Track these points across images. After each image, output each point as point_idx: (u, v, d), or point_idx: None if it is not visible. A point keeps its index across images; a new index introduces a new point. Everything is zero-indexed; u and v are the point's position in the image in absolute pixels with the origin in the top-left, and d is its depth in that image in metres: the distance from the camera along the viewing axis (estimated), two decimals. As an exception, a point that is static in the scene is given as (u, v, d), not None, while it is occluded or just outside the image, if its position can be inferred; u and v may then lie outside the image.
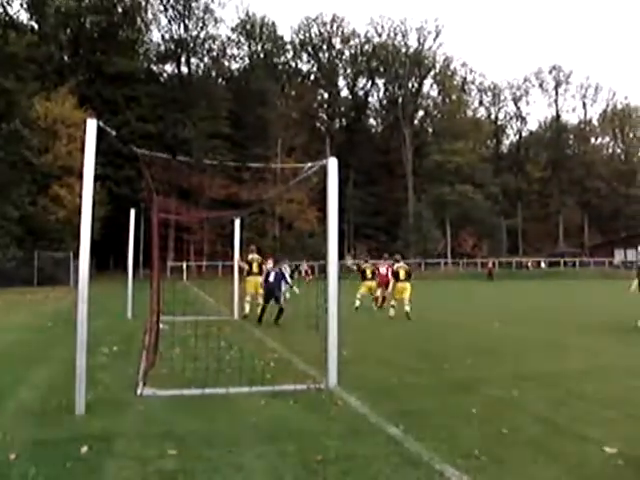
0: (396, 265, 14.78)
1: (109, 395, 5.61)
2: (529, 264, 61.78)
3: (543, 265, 62.03)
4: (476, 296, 24.84)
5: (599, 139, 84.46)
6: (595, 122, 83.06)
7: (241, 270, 14.09)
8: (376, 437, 4.39)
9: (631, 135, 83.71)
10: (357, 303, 15.63)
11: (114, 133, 5.84)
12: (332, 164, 6.28)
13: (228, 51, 64.50)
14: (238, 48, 65.31)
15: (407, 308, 13.72)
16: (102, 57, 52.61)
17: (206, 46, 60.67)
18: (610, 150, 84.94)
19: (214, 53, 61.96)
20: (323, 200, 6.48)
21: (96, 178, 5.34)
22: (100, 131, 5.22)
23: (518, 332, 11.40)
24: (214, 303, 17.40)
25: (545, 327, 12.29)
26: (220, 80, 64.11)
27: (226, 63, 64.80)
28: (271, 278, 12.54)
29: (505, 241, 72.73)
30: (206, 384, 5.85)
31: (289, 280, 13.86)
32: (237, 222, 14.12)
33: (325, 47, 67.63)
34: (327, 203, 6.28)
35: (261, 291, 13.47)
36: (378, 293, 16.43)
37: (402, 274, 14.17)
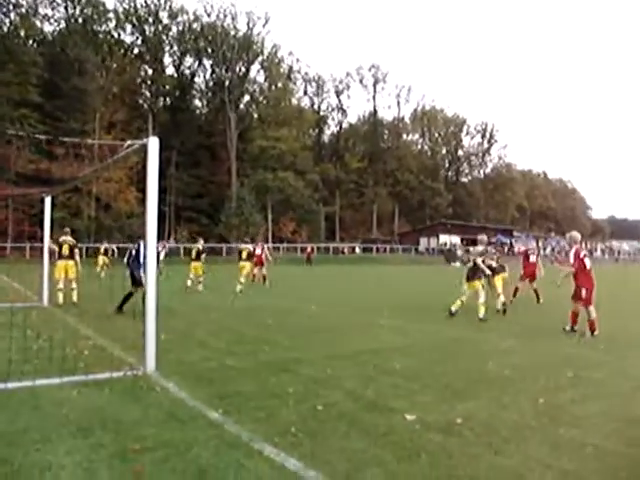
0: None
1: None
2: (345, 249, 67.93)
3: (358, 250, 68.19)
4: (295, 280, 25.79)
5: (410, 135, 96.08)
6: (407, 120, 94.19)
7: (52, 253, 13.53)
8: (195, 422, 4.53)
9: (436, 134, 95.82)
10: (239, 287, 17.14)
11: None
12: (153, 143, 6.26)
13: (40, 10, 61.01)
14: (53, 8, 61.83)
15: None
16: None
17: (12, -1, 56.17)
18: (419, 146, 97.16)
19: (23, 9, 58.25)
20: (143, 180, 6.57)
21: None
22: None
23: (334, 314, 12.20)
24: (20, 288, 16.06)
25: (359, 309, 13.21)
26: (31, 42, 60.64)
27: (38, 23, 61.35)
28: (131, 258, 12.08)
29: (323, 227, 78.04)
30: (8, 377, 5.55)
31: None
32: (47, 200, 13.11)
33: (151, 20, 66.76)
34: (147, 184, 6.27)
35: (71, 276, 13.45)
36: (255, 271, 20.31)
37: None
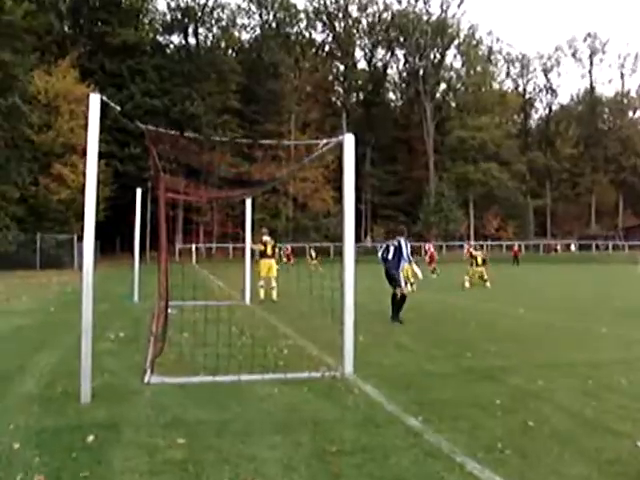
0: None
1: (115, 382, 5.70)
2: (558, 247, 61.77)
3: (573, 248, 62.65)
4: (500, 281, 24.31)
5: (637, 112, 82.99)
6: (633, 94, 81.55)
7: (252, 253, 14.36)
8: (394, 428, 4.38)
9: None
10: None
11: (118, 108, 5.92)
12: (348, 140, 6.17)
13: (238, 20, 64.49)
14: (249, 17, 65.21)
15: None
16: (105, 27, 52.69)
17: (215, 15, 60.76)
18: None
19: (223, 23, 62.00)
20: (339, 179, 6.42)
21: (100, 156, 5.42)
22: (104, 106, 5.22)
23: (545, 319, 11.24)
24: (224, 287, 17.57)
25: (574, 314, 12.20)
26: (230, 52, 64.21)
27: (236, 33, 64.82)
28: (389, 255, 10.79)
29: (532, 223, 72.53)
30: (217, 371, 5.87)
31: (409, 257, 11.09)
32: (248, 202, 14.11)
33: (341, 15, 66.96)
34: (343, 182, 6.21)
35: (272, 274, 14.02)
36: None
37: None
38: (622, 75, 79.61)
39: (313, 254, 38.44)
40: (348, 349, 6.14)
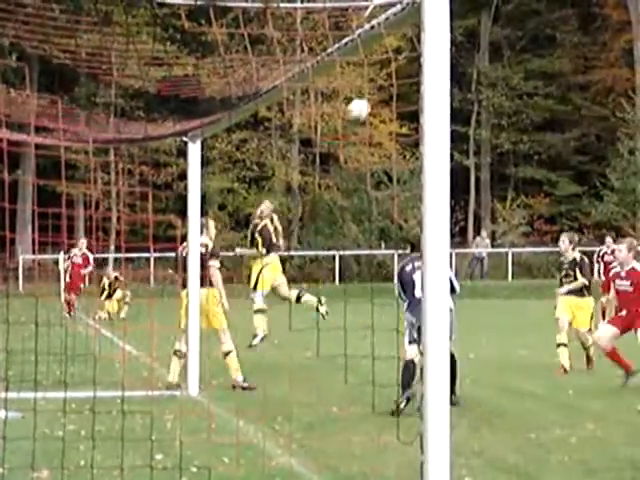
0: None
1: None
2: None
3: None
4: None
5: None
6: None
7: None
8: None
9: None
10: None
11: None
12: None
13: None
14: None
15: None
16: None
17: None
18: None
19: None
20: (411, 97, 4.41)
21: None
22: None
23: None
24: (139, 355, 8.92)
25: None
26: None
27: None
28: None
29: None
30: None
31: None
32: (194, 148, 7.74)
33: None
34: (422, 97, 2.81)
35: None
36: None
37: None
38: None
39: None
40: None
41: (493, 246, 29.43)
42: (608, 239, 15.84)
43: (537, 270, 27.62)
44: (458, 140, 29.19)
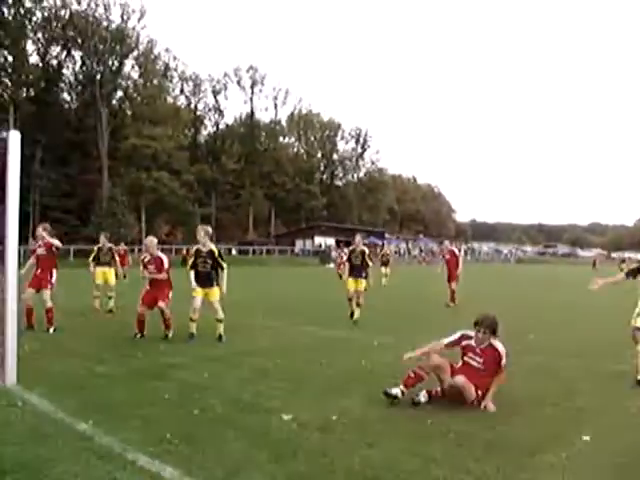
0: None
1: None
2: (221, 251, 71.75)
3: (234, 252, 67.83)
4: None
5: (286, 138, 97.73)
6: (284, 122, 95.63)
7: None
8: (63, 435, 4.34)
9: (312, 138, 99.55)
10: None
11: None
12: (14, 138, 5.78)
13: None
14: None
15: None
16: None
17: None
18: (295, 149, 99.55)
19: None
20: (3, 178, 5.82)
21: None
22: None
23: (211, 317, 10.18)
24: None
25: (236, 311, 11.90)
26: None
27: None
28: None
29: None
30: None
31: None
32: None
33: (10, 1, 61.30)
34: (7, 182, 5.72)
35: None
36: None
37: None
38: (275, 105, 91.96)
39: None
40: (11, 359, 5.85)
41: None
42: None
43: None
44: (24, 199, 39.00)
